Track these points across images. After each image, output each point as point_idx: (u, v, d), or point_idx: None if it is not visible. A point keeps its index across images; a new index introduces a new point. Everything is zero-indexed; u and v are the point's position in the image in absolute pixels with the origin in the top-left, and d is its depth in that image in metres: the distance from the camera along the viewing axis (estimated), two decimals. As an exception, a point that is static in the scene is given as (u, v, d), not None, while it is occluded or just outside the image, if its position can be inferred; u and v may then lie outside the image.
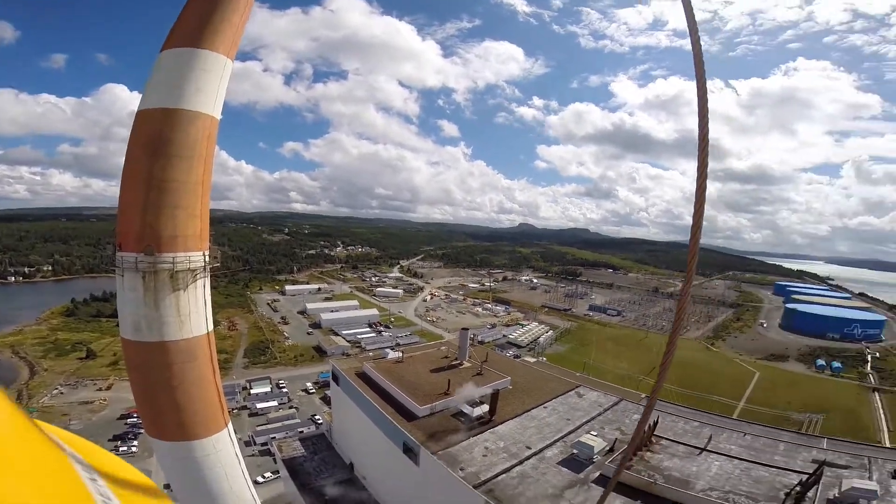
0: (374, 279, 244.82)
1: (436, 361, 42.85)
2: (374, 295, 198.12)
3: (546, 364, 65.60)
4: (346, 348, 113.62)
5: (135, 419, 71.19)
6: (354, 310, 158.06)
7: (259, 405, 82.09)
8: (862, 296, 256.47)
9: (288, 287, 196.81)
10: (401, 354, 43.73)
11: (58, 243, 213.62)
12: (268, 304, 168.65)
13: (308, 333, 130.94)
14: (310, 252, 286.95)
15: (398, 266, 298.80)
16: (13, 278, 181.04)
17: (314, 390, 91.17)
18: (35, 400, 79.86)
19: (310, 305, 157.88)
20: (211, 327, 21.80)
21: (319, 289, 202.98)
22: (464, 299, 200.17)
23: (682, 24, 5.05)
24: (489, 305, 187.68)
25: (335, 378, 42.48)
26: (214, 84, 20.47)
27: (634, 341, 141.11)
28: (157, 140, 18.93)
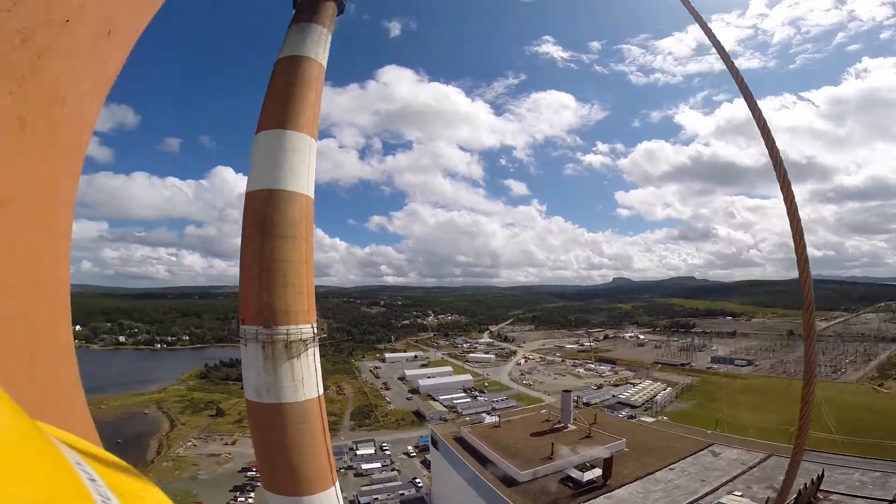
0: (465, 345, 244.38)
1: (536, 425, 40.97)
2: (467, 361, 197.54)
3: (668, 423, 58.24)
4: (443, 413, 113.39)
5: (253, 473, 75.16)
6: (449, 376, 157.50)
7: (364, 466, 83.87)
8: None
9: (387, 355, 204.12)
10: (497, 419, 42.53)
11: (193, 317, 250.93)
12: (370, 370, 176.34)
13: (408, 398, 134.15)
14: (404, 322, 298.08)
15: (487, 332, 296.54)
16: (159, 346, 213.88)
17: (415, 454, 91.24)
18: (172, 450, 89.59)
19: (408, 372, 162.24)
20: (321, 391, 23.32)
21: (416, 356, 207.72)
22: (562, 361, 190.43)
23: (728, 44, 5.06)
24: (592, 366, 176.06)
25: (434, 442, 42.54)
26: (304, 164, 22.82)
27: (776, 391, 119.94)
28: (264, 221, 21.63)
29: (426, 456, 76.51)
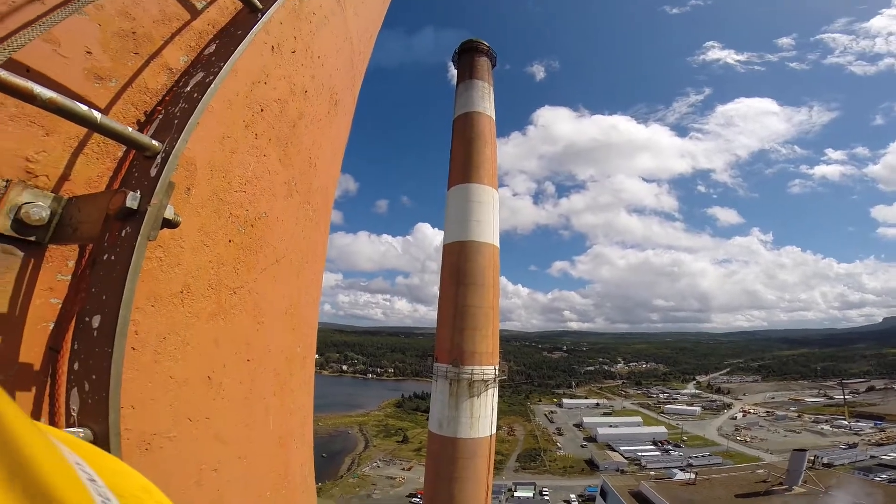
0: (661, 396, 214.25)
1: (746, 486, 33.62)
2: (663, 412, 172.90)
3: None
4: (621, 465, 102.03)
5: (417, 500, 77.38)
6: (637, 426, 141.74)
7: None
8: None
9: (565, 400, 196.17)
10: (693, 476, 35.88)
11: (398, 353, 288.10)
12: (545, 414, 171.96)
13: (581, 446, 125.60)
14: (588, 368, 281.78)
15: (694, 382, 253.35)
16: (371, 375, 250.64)
17: (576, 502, 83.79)
18: (359, 468, 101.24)
19: (586, 419, 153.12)
20: (494, 431, 23.91)
21: (598, 404, 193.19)
22: (798, 416, 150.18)
23: None
24: (845, 422, 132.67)
25: (604, 494, 38.08)
26: (489, 214, 24.37)
27: None
28: (457, 271, 23.66)
29: (587, 506, 70.60)
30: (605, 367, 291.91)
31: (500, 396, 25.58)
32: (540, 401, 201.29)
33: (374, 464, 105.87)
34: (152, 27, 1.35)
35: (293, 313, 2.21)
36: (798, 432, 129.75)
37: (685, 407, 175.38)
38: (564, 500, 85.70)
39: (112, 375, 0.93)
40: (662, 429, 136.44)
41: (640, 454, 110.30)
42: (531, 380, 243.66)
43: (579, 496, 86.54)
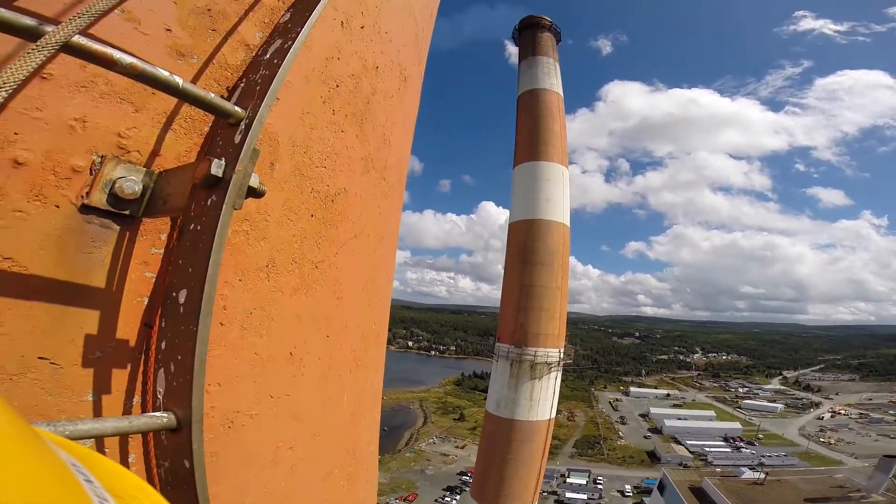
0: (741, 390, 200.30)
1: (819, 490, 31.70)
2: (740, 408, 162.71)
3: None
4: (685, 459, 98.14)
5: (467, 478, 78.82)
6: (709, 420, 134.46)
7: (569, 495, 79.21)
8: None
9: (632, 389, 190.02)
10: (762, 475, 33.92)
11: (461, 331, 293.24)
12: (609, 402, 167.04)
13: (645, 437, 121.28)
14: (661, 357, 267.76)
15: (780, 377, 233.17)
16: (433, 353, 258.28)
17: (631, 494, 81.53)
18: (416, 444, 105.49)
19: (653, 409, 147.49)
20: (553, 415, 23.64)
21: (668, 395, 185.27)
22: None
23: None
24: None
25: (661, 487, 36.72)
26: (558, 192, 23.56)
27: None
28: (525, 249, 23.21)
29: (644, 499, 69.11)
30: (681, 357, 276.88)
31: (562, 380, 25.40)
32: (605, 388, 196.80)
33: (431, 440, 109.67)
34: (226, 4, 1.34)
35: (370, 289, 2.23)
36: (893, 437, 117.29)
37: (765, 403, 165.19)
38: (619, 491, 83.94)
39: (196, 358, 0.91)
40: (737, 425, 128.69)
41: (707, 449, 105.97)
42: (597, 365, 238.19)
43: (635, 488, 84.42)
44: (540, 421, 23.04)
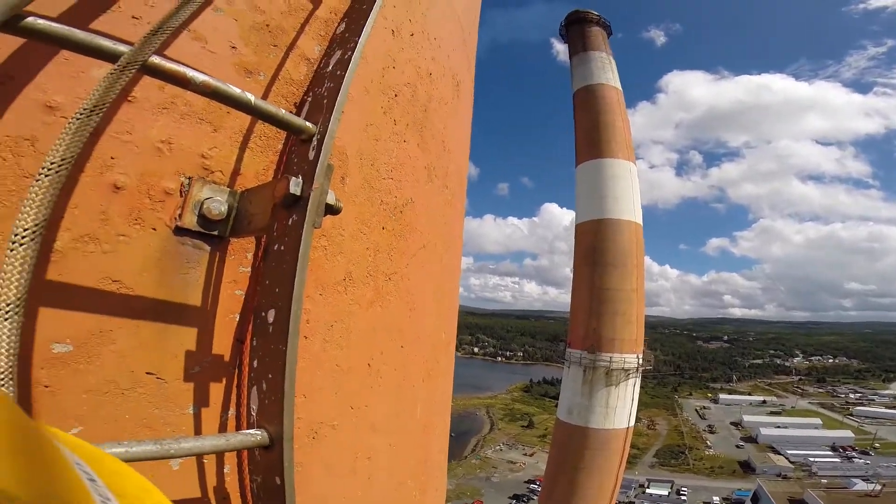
0: (852, 396, 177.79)
1: None
2: (851, 414, 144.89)
3: None
4: (785, 469, 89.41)
5: (535, 486, 76.01)
6: (813, 429, 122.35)
7: None
8: None
9: (722, 396, 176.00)
10: (878, 486, 30.64)
11: (528, 337, 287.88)
12: (695, 409, 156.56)
13: (737, 446, 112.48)
14: (755, 361, 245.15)
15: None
16: (500, 358, 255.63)
17: None
18: (482, 450, 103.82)
19: (747, 417, 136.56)
20: (631, 423, 22.74)
21: (764, 401, 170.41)
22: None
23: None
24: None
25: (755, 499, 35.07)
26: (627, 189, 22.52)
27: None
28: (593, 251, 22.36)
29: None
30: (777, 361, 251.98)
31: (642, 387, 24.41)
32: (690, 395, 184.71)
33: (498, 447, 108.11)
34: (282, 18, 1.37)
35: (439, 299, 2.23)
36: None
37: (883, 410, 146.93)
38: (705, 502, 78.31)
39: (286, 378, 0.92)
40: (848, 433, 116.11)
41: (811, 459, 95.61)
42: (681, 371, 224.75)
43: (724, 500, 78.29)
44: (617, 429, 22.21)
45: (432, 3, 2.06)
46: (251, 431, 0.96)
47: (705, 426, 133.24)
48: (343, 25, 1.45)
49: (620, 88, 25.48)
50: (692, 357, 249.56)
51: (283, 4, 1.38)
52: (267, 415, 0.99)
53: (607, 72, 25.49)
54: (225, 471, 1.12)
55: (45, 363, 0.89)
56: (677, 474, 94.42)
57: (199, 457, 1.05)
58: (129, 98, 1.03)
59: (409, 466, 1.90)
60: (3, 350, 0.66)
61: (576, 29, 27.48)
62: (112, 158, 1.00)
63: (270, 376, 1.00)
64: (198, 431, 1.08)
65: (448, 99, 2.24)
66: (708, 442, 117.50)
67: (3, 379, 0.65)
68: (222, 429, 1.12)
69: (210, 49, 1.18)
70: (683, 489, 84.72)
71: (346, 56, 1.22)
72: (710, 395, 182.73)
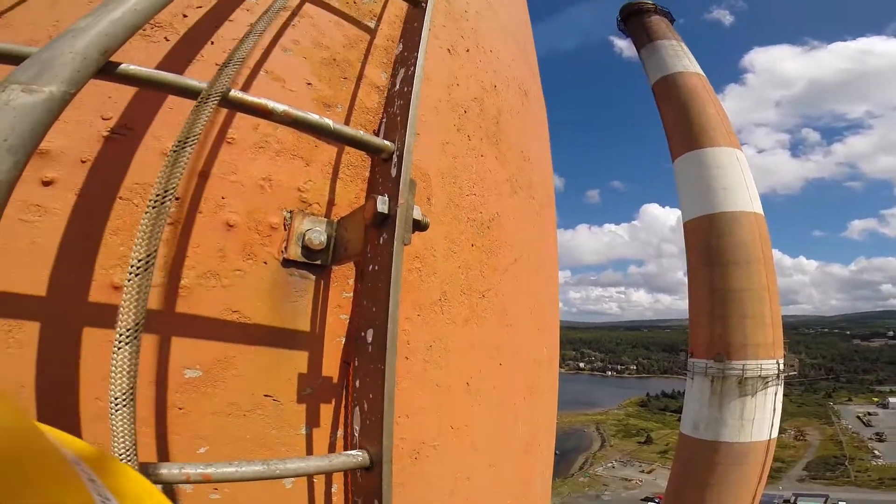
0: None
1: None
2: None
3: None
4: None
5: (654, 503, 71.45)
6: None
7: None
8: None
9: (892, 399, 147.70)
10: None
11: (641, 349, 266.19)
12: (857, 417, 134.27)
13: None
14: None
15: None
16: (609, 373, 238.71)
17: None
18: (592, 468, 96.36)
19: None
20: (774, 435, 20.55)
21: None
22: None
23: None
24: None
25: None
26: (738, 178, 20.51)
27: None
28: (708, 249, 20.38)
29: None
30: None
31: (786, 395, 22.13)
32: (850, 400, 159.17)
33: (609, 464, 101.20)
34: (345, 52, 1.45)
35: (537, 313, 2.18)
36: None
37: None
38: None
39: (385, 397, 0.94)
40: None
41: None
42: (835, 375, 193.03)
43: None
44: (755, 442, 20.15)
45: (480, 18, 2.09)
46: (353, 452, 0.99)
47: (872, 434, 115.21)
48: (401, 45, 1.52)
49: (702, 73, 24.00)
50: (848, 358, 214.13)
51: (343, 38, 1.47)
52: (368, 435, 1.01)
53: (682, 59, 24.15)
54: (332, 490, 1.17)
55: (178, 387, 1.01)
56: (834, 487, 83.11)
57: (310, 476, 1.11)
58: (228, 139, 1.16)
59: (510, 487, 1.87)
60: (124, 372, 0.74)
61: (635, 21, 26.46)
62: (223, 198, 1.13)
63: (371, 396, 1.03)
64: (309, 451, 1.14)
65: (518, 108, 2.24)
66: (876, 451, 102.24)
67: (125, 400, 0.74)
68: (331, 449, 1.17)
69: (289, 88, 1.30)
70: (841, 503, 74.99)
71: (410, 72, 1.26)
72: (875, 399, 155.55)
